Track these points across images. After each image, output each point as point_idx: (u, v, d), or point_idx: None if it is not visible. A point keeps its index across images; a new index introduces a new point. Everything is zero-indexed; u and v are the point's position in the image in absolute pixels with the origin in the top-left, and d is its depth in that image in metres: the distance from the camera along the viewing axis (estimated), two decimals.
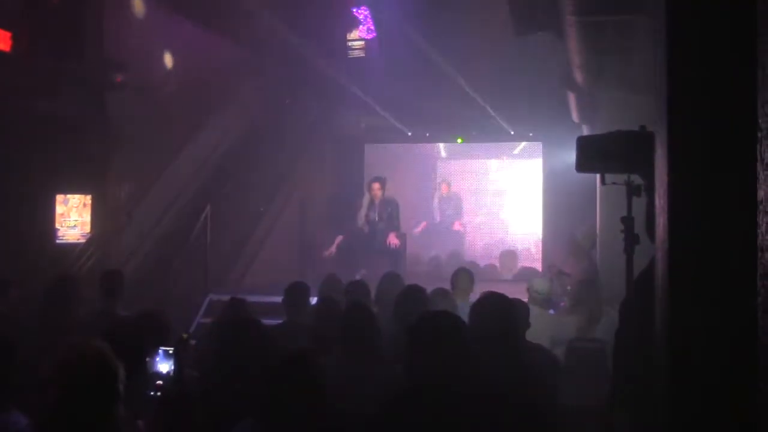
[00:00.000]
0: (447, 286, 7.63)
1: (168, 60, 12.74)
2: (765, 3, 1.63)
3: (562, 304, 8.55)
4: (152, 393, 3.23)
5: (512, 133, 15.86)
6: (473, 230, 16.33)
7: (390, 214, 12.70)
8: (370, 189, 12.91)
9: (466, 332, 3.71)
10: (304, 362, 3.67)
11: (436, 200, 15.95)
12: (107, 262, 11.12)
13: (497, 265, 15.06)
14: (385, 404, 3.59)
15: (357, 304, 5.41)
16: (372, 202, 12.83)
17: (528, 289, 7.54)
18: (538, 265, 15.24)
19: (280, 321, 6.77)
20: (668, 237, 2.34)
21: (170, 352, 3.23)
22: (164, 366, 3.21)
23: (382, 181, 12.88)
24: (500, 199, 16.37)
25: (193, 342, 5.53)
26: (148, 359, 3.22)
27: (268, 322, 6.21)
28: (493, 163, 16.51)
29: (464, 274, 7.82)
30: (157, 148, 12.52)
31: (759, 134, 1.61)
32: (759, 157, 1.62)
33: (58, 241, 11.15)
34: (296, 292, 6.83)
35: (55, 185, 11.03)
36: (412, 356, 3.64)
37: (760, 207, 1.61)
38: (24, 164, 10.11)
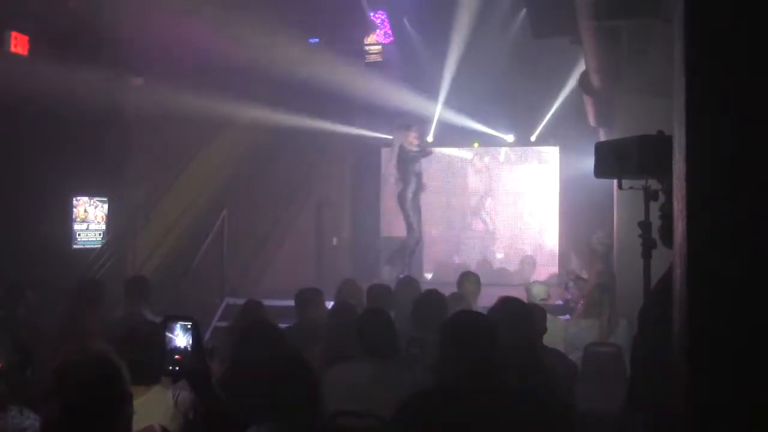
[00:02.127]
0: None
1: (185, 63, 12.79)
2: None
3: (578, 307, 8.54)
4: (171, 368, 3.21)
5: (532, 139, 15.86)
6: (500, 234, 16.31)
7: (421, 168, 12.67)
8: (406, 139, 12.68)
9: (497, 333, 3.69)
10: (295, 366, 3.69)
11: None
12: (124, 265, 11.17)
13: (506, 268, 15.17)
14: (408, 403, 3.59)
15: (375, 308, 5.42)
16: (407, 153, 12.63)
17: (527, 295, 7.55)
18: (551, 270, 15.26)
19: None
20: (686, 242, 2.32)
21: (188, 326, 3.21)
22: (182, 341, 3.20)
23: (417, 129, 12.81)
24: (521, 203, 16.32)
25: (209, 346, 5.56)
26: (167, 334, 3.20)
27: (284, 325, 6.25)
28: (509, 166, 16.46)
29: (471, 278, 7.82)
30: (174, 151, 12.57)
31: None
32: None
33: (75, 245, 11.19)
34: (305, 297, 6.86)
35: (72, 188, 11.09)
36: (445, 354, 3.61)
37: None
38: (41, 167, 10.16)
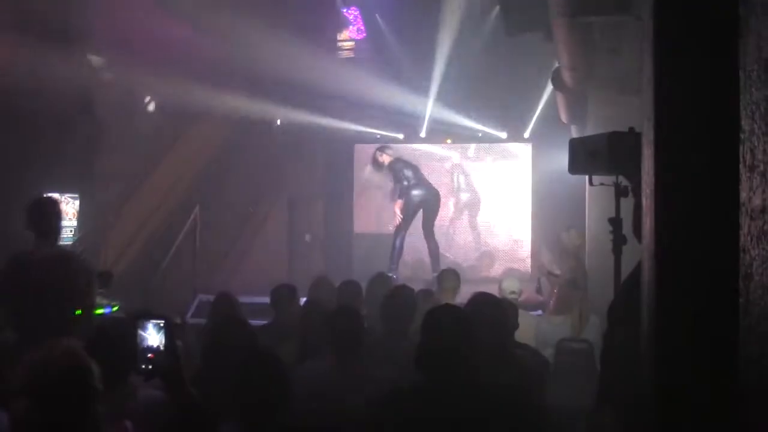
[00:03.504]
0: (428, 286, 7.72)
1: (156, 56, 12.71)
2: (746, 6, 1.64)
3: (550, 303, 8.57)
4: (144, 367, 3.21)
5: (504, 135, 15.88)
6: (459, 230, 16.32)
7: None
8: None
9: (474, 329, 3.68)
10: (265, 362, 3.69)
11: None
12: (96, 262, 11.08)
13: (477, 265, 15.19)
14: (380, 400, 3.59)
15: (344, 306, 5.42)
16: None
17: (499, 290, 7.56)
18: (522, 266, 15.31)
19: (267, 322, 6.79)
20: (654, 238, 2.34)
21: (161, 325, 3.21)
22: (155, 340, 3.20)
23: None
24: (493, 200, 16.32)
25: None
26: (139, 332, 3.19)
27: (256, 322, 6.23)
28: (481, 162, 16.48)
29: (450, 274, 7.80)
30: (145, 147, 12.49)
31: (742, 136, 1.62)
32: (741, 158, 1.63)
33: None
34: (281, 294, 6.83)
35: (41, 185, 10.96)
36: (423, 348, 3.60)
37: (742, 208, 1.61)
38: (11, 163, 10.05)
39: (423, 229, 12.74)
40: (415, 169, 12.83)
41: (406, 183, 12.50)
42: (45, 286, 5.74)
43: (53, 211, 6.07)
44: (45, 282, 5.76)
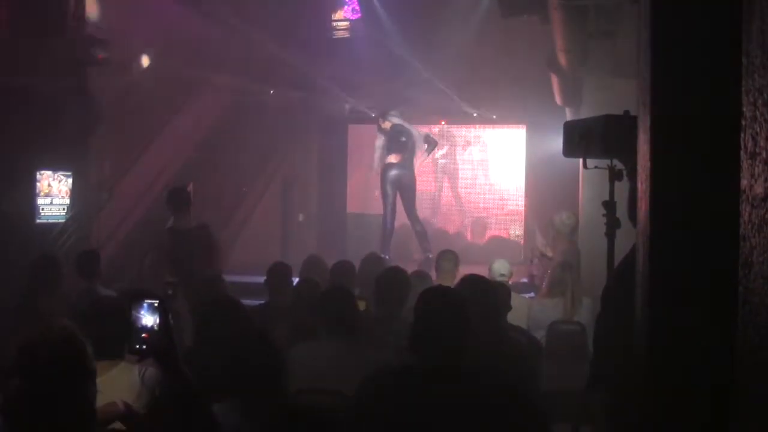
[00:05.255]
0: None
1: (149, 37, 12.64)
2: None
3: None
4: (138, 347, 3.19)
5: (498, 117, 15.84)
6: (464, 212, 16.34)
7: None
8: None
9: (468, 311, 3.67)
10: (258, 344, 3.68)
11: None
12: (87, 241, 11.05)
13: (467, 233, 15.20)
14: (368, 382, 3.59)
15: (336, 286, 5.42)
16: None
17: (489, 272, 7.53)
18: (521, 247, 15.34)
19: (261, 301, 6.78)
20: (649, 222, 2.33)
21: (155, 305, 3.19)
22: (149, 319, 3.18)
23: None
24: (487, 181, 16.32)
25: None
26: (134, 312, 3.18)
27: (249, 302, 6.23)
28: (476, 142, 16.47)
29: (449, 256, 7.72)
30: (138, 126, 12.44)
31: (743, 122, 1.61)
32: (742, 145, 1.62)
33: (38, 220, 11.05)
34: (277, 274, 6.82)
35: (35, 163, 10.93)
36: (416, 331, 3.59)
37: (743, 196, 1.60)
38: (4, 141, 10.00)
39: (406, 212, 12.76)
40: (408, 139, 12.79)
41: (390, 152, 12.55)
42: (190, 250, 7.80)
43: (187, 195, 8.38)
44: (190, 246, 7.84)
